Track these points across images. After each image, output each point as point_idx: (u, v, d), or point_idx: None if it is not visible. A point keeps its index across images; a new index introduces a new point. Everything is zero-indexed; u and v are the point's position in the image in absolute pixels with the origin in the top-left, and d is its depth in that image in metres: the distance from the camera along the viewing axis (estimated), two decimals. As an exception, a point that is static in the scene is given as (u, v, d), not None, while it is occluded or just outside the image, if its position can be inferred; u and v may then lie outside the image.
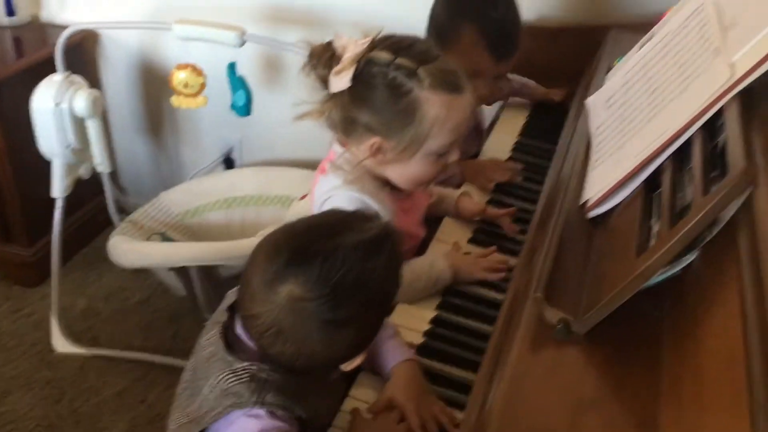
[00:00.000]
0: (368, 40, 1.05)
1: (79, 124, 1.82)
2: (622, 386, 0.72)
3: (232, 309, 0.95)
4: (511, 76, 1.62)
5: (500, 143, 1.55)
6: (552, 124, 1.49)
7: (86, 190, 2.05)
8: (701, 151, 0.83)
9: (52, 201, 1.88)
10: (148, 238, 1.88)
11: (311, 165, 1.99)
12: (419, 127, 1.05)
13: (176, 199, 1.98)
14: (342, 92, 1.04)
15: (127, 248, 1.79)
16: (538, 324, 0.80)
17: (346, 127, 1.09)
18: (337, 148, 1.15)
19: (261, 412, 0.85)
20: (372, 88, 1.04)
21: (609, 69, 1.30)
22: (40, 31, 2.15)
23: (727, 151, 0.78)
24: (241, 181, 2.02)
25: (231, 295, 0.98)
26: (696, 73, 0.96)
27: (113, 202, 2.03)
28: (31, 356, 1.92)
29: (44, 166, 1.87)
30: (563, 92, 1.64)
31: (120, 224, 1.89)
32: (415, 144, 1.06)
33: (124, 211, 2.05)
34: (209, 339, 0.95)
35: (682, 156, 0.89)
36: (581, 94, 1.36)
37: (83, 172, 1.93)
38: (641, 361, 0.73)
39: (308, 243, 0.83)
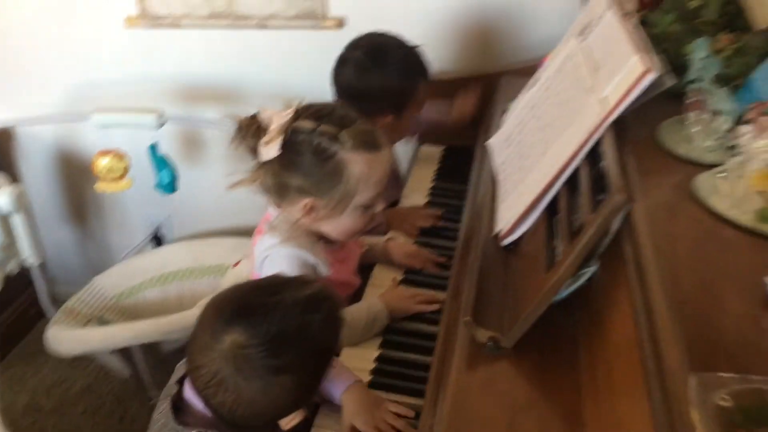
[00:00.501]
0: (291, 110, 1.14)
1: (3, 220, 1.84)
2: (550, 387, 0.83)
3: (182, 381, 1.00)
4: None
5: (417, 189, 1.68)
6: (461, 166, 1.62)
7: (16, 285, 2.04)
8: (587, 176, 0.97)
9: (-19, 301, 1.87)
10: (86, 325, 1.89)
11: (240, 232, 2.06)
12: (347, 185, 1.14)
13: (110, 282, 1.99)
14: (272, 160, 1.13)
15: (66, 337, 1.79)
16: (471, 345, 0.90)
17: (279, 191, 1.17)
18: (273, 210, 1.23)
19: None
20: (300, 154, 1.13)
21: (504, 112, 1.45)
22: (-47, 133, 2.15)
23: (608, 174, 0.91)
24: (173, 256, 2.06)
25: (180, 368, 1.03)
26: (575, 110, 1.10)
27: (45, 294, 2.02)
28: (-24, 461, 1.88)
29: (-29, 266, 1.86)
30: (472, 98, 1.74)
31: (55, 314, 1.89)
32: (345, 200, 1.16)
33: (56, 301, 2.04)
34: (161, 412, 1.00)
35: (574, 182, 1.02)
36: (482, 136, 1.50)
37: (12, 267, 1.93)
38: (563, 364, 0.84)
39: (252, 298, 0.92)
